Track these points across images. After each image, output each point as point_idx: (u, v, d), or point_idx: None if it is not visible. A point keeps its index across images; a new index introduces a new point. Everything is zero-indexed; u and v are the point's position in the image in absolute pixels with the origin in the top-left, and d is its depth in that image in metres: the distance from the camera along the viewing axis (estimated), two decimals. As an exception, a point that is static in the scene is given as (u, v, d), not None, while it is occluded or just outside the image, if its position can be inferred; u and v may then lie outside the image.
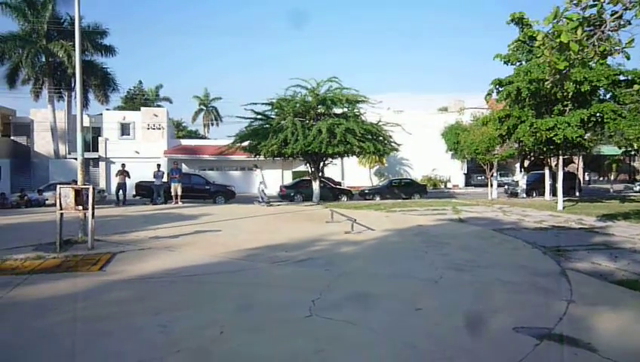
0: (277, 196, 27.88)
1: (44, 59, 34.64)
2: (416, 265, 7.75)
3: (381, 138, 24.60)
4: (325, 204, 21.34)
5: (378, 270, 7.51)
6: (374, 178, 39.31)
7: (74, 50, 30.95)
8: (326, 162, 25.94)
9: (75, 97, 35.44)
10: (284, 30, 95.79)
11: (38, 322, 5.00)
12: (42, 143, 37.14)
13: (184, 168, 27.25)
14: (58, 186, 9.22)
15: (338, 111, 24.43)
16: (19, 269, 7.38)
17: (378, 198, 27.16)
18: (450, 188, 39.46)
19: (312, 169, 24.85)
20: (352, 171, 36.35)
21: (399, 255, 8.76)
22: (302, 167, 32.18)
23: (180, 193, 20.98)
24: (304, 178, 28.69)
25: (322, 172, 25.83)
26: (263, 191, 21.66)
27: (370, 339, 4.54)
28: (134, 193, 23.59)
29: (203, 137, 53.59)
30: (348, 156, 26.31)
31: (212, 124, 60.83)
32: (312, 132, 22.47)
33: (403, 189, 29.09)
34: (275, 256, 8.33)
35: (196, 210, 17.41)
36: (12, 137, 37.81)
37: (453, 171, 40.73)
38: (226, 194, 24.61)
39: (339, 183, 32.12)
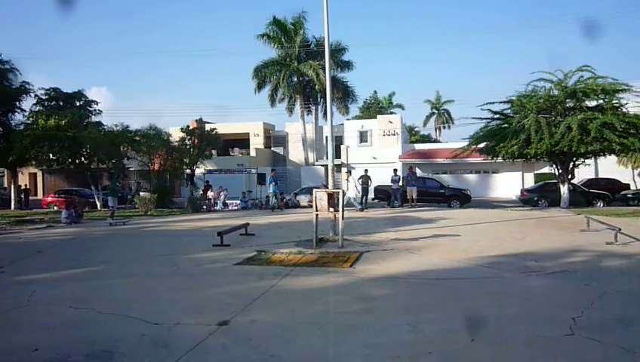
0: (517, 200, 26.02)
1: (295, 79, 39.61)
2: None
3: (650, 132, 20.67)
4: (576, 210, 18.96)
5: (657, 290, 6.31)
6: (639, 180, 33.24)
7: (321, 68, 34.93)
8: (576, 162, 23.03)
9: (321, 110, 39.82)
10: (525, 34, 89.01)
11: (304, 309, 5.72)
12: (295, 152, 42.56)
13: (418, 172, 27.60)
14: (314, 190, 10.40)
15: (591, 103, 21.46)
16: (285, 262, 8.59)
17: (646, 204, 22.82)
18: None
19: (560, 170, 22.39)
20: (608, 172, 31.42)
21: (685, 274, 7.19)
22: (545, 169, 29.30)
23: (415, 196, 21.40)
24: (549, 180, 26.07)
25: (572, 173, 23.00)
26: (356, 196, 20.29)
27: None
28: (373, 196, 25.00)
29: (435, 141, 53.59)
30: (604, 155, 22.85)
31: (444, 127, 60.58)
32: (559, 129, 20.24)
33: (682, 194, 23.82)
34: (523, 266, 7.75)
35: (432, 213, 17.47)
36: (272, 148, 44.50)
37: None
38: (461, 198, 24.05)
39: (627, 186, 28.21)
